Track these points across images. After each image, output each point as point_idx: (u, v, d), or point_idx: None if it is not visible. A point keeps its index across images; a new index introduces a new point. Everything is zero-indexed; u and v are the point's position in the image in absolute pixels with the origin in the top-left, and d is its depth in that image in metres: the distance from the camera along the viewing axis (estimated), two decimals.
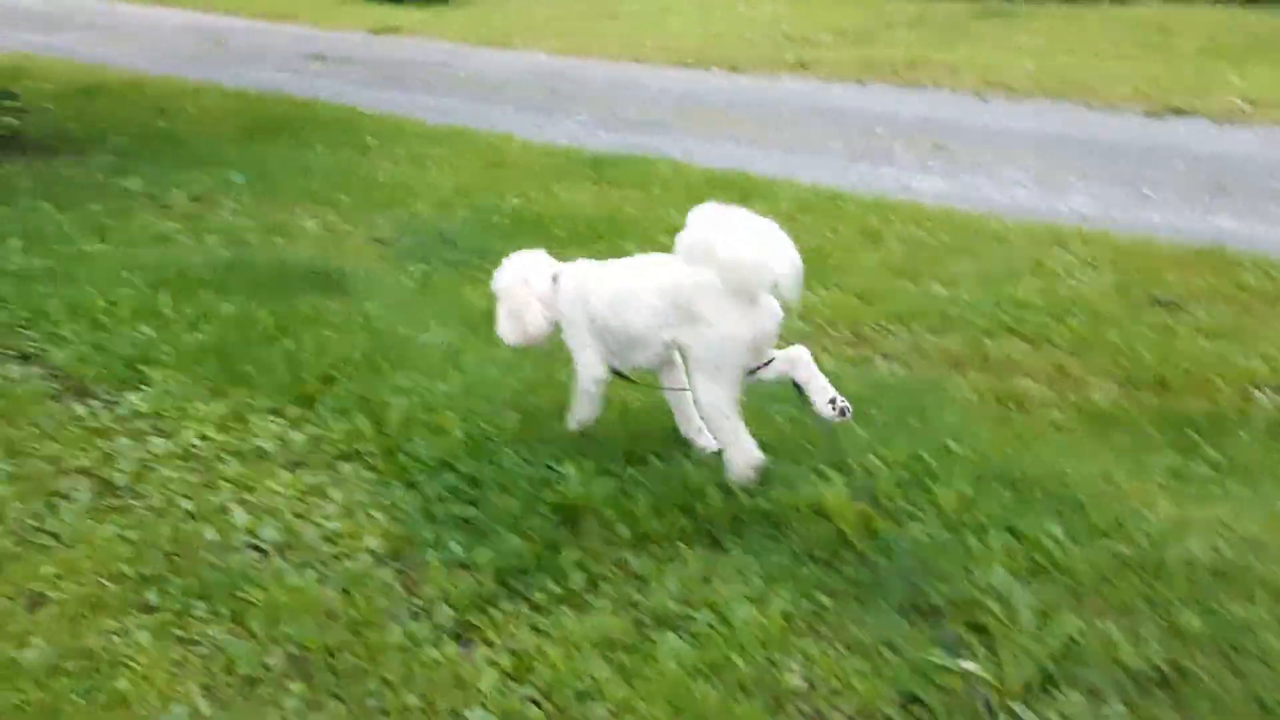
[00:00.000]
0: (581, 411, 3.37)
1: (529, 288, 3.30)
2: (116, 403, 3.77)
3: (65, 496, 3.18)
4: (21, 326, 4.42)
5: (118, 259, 5.27)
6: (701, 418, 3.17)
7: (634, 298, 3.09)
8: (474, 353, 4.13)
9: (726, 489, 3.01)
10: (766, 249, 2.81)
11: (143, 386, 3.86)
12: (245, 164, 7.51)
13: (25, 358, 4.18)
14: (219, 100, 9.76)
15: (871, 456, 3.22)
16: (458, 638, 2.56)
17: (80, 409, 3.74)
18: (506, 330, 3.36)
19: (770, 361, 3.08)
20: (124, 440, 3.51)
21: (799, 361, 3.08)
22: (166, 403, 3.73)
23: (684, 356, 3.08)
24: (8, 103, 8.03)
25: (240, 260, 5.25)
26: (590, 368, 3.27)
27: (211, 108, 9.46)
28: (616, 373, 3.32)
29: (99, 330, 4.33)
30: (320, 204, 6.74)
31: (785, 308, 3.03)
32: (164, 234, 5.94)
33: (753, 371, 3.05)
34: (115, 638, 2.56)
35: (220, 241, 5.83)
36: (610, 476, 3.08)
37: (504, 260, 3.43)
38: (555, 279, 3.31)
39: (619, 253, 3.50)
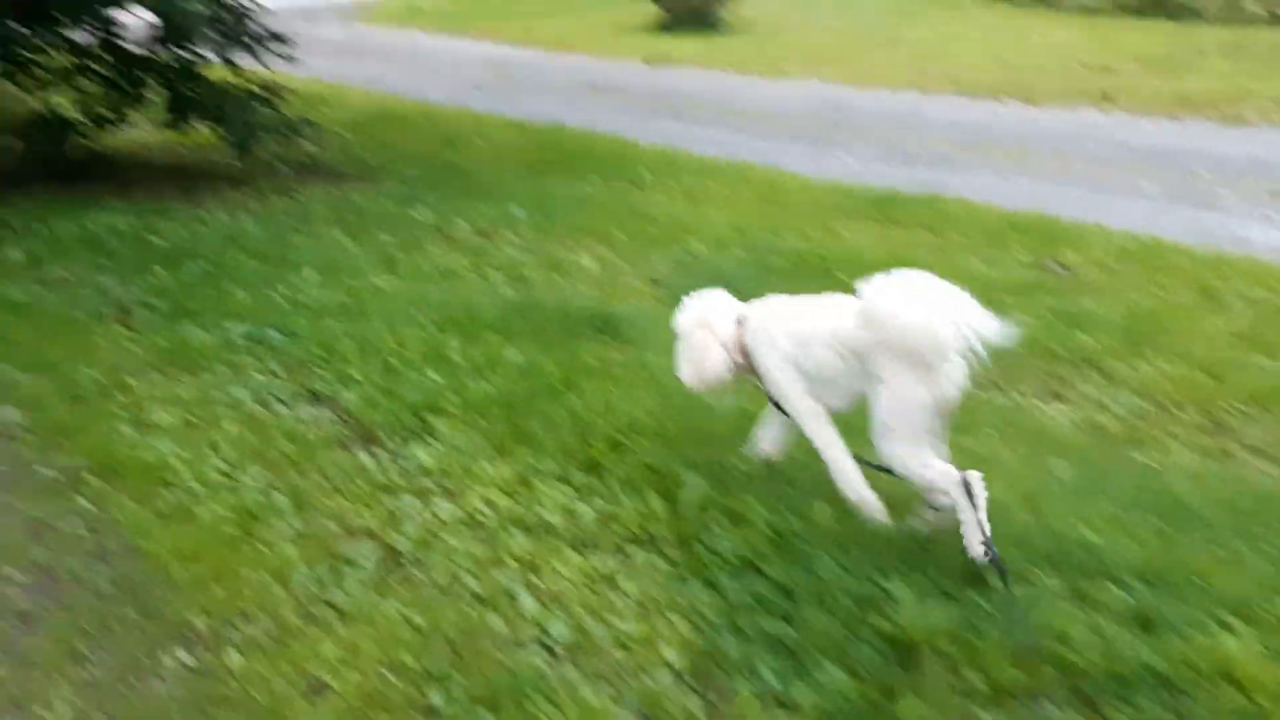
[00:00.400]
0: (840, 468, 3.05)
1: (710, 331, 3.19)
2: (403, 455, 3.63)
3: (350, 562, 3.03)
4: (315, 364, 4.41)
5: (407, 295, 5.25)
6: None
7: (816, 339, 2.97)
8: None
9: (1099, 631, 2.46)
10: (940, 316, 2.63)
11: (429, 439, 3.71)
12: (526, 197, 7.49)
13: (316, 397, 4.15)
14: (502, 131, 9.90)
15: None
16: None
17: (367, 459, 3.62)
18: (685, 373, 3.28)
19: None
20: (409, 499, 3.35)
21: (972, 484, 2.78)
22: (452, 460, 3.55)
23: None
24: (309, 130, 8.37)
25: (524, 302, 5.11)
26: (806, 405, 3.06)
27: (496, 139, 9.60)
28: None
29: (388, 373, 4.25)
30: (597, 239, 6.58)
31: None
32: (450, 268, 5.92)
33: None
34: None
35: (504, 279, 5.74)
36: (949, 601, 2.60)
37: (684, 300, 3.33)
38: (741, 321, 3.18)
39: None
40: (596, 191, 7.76)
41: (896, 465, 2.83)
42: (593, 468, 3.45)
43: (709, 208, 7.36)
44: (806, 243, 6.43)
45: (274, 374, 4.36)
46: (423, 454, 3.60)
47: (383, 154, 9.18)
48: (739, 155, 8.98)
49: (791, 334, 3.03)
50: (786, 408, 3.12)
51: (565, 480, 3.40)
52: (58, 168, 7.97)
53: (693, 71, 13.30)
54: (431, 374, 4.19)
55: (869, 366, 2.83)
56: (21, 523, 3.35)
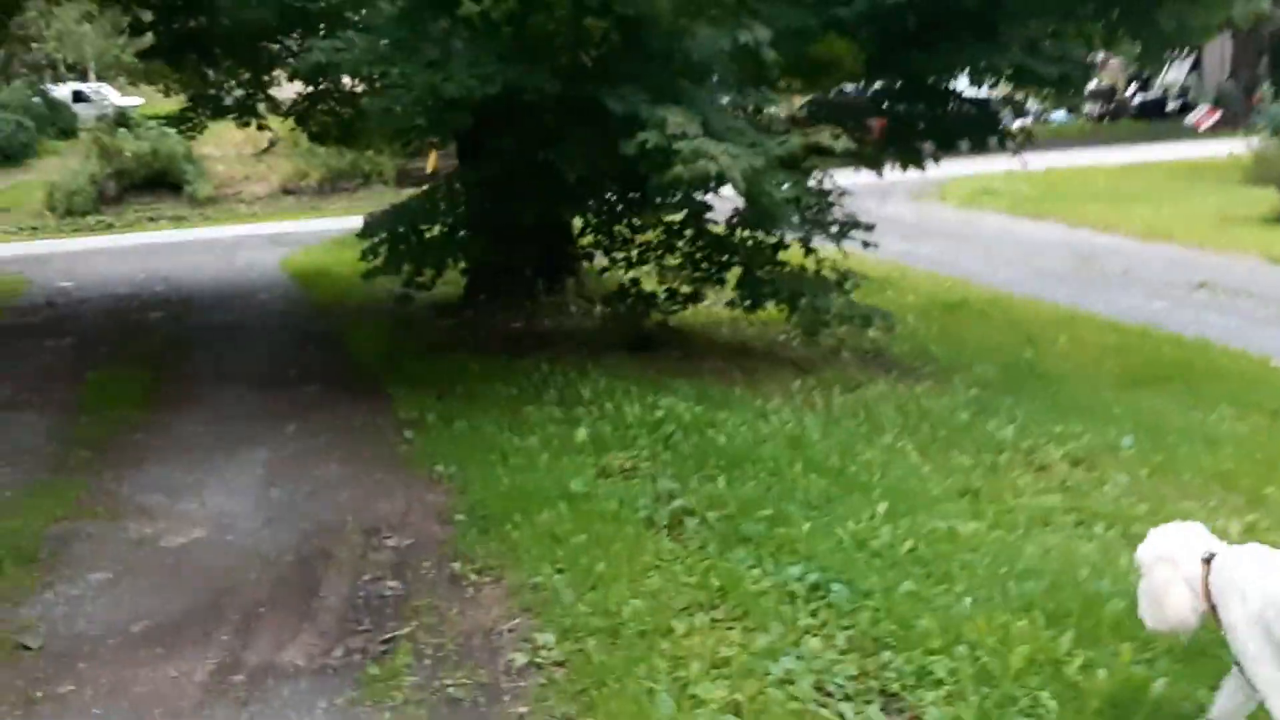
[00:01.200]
0: None
1: (1175, 567, 2.83)
2: None
3: None
4: (887, 642, 3.50)
5: (994, 549, 4.22)
6: None
7: None
8: None
9: None
10: None
11: None
12: (1131, 420, 6.17)
13: (890, 699, 3.23)
14: (1092, 333, 8.61)
15: None
16: None
17: None
18: (1146, 613, 2.92)
19: None
20: None
21: None
22: None
23: None
24: (879, 321, 7.75)
25: None
26: (1274, 684, 2.59)
27: (1085, 341, 8.34)
28: None
29: (983, 680, 3.21)
30: (1238, 494, 5.08)
31: None
32: (1044, 511, 4.79)
33: None
34: None
35: (1118, 540, 4.47)
36: None
37: (1151, 531, 2.96)
38: (1209, 560, 2.80)
39: None
40: (1227, 425, 6.21)
41: None
42: None
43: None
44: None
45: (836, 647, 3.52)
46: None
47: (952, 347, 8.35)
48: None
49: (1264, 592, 2.64)
50: (1250, 676, 2.67)
51: None
52: (633, 339, 8.12)
53: None
54: (1045, 698, 3.09)
55: None
56: None
